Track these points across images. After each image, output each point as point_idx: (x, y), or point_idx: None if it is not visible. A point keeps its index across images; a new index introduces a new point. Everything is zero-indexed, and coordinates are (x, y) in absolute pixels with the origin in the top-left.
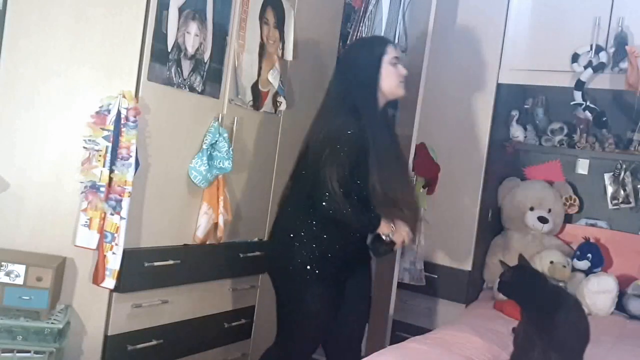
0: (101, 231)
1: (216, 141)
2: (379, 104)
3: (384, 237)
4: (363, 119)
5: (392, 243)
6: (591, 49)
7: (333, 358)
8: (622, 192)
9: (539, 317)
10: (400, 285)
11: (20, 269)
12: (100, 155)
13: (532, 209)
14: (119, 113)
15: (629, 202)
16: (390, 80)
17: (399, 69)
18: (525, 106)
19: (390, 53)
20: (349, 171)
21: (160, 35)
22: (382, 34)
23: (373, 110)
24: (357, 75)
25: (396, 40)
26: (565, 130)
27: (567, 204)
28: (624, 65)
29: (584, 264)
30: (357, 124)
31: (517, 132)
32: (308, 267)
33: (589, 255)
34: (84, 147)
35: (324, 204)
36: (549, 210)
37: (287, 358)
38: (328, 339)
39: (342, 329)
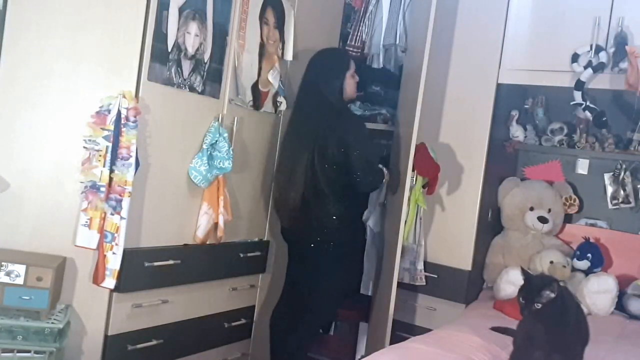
0: (101, 231)
1: (216, 141)
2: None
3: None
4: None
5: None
6: (591, 49)
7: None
8: (622, 192)
9: (547, 318)
10: (400, 285)
11: (20, 269)
12: (100, 155)
13: (532, 209)
14: (119, 113)
15: (629, 202)
16: (350, 90)
17: (356, 78)
18: (525, 106)
19: (352, 68)
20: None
21: (160, 35)
22: (383, 34)
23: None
24: (332, 86)
25: (396, 41)
26: (565, 130)
27: (567, 204)
28: (624, 65)
29: (583, 264)
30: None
31: (517, 132)
32: (344, 244)
33: (589, 255)
34: (84, 147)
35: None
36: (549, 210)
37: (310, 333)
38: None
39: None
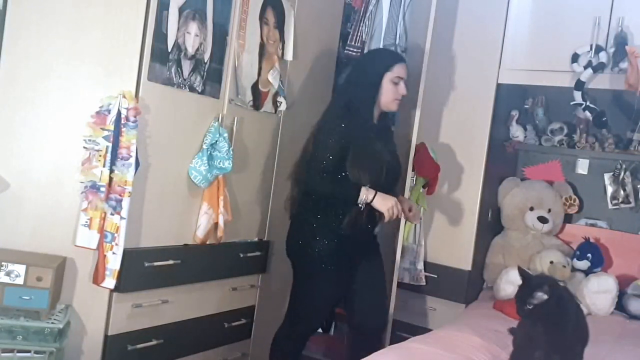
0: (101, 231)
1: (216, 141)
2: (371, 111)
3: (359, 205)
4: (352, 119)
5: (381, 215)
6: (591, 49)
7: (356, 348)
8: (622, 192)
9: (546, 318)
10: (400, 285)
11: (20, 268)
12: (100, 155)
13: (532, 209)
14: (119, 113)
15: (629, 202)
16: (386, 96)
17: (398, 88)
18: (525, 106)
19: (394, 72)
20: (333, 156)
21: (160, 35)
22: (383, 34)
23: (363, 114)
24: (360, 83)
25: (396, 41)
26: (565, 130)
27: (567, 204)
28: (623, 65)
29: (583, 264)
30: (346, 120)
31: (517, 132)
32: (317, 249)
33: (589, 255)
34: (84, 147)
35: (307, 181)
36: (549, 210)
37: (293, 334)
38: (351, 331)
39: (361, 320)
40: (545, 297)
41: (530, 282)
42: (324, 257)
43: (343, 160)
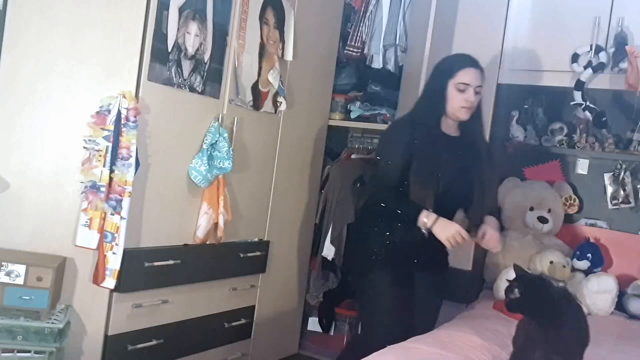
0: (101, 231)
1: (216, 141)
2: (438, 121)
3: (422, 229)
4: (416, 129)
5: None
6: (591, 49)
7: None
8: (622, 192)
9: (546, 320)
10: None
11: (20, 268)
12: (100, 155)
13: (532, 209)
14: (119, 113)
15: (629, 202)
16: (452, 104)
17: (465, 95)
18: (525, 106)
19: (459, 78)
20: (394, 170)
21: (160, 35)
22: (383, 34)
23: (428, 123)
24: (425, 91)
25: (396, 41)
26: (565, 130)
27: (567, 204)
28: (623, 65)
29: (584, 264)
30: (409, 130)
31: (517, 132)
32: (374, 257)
33: (589, 255)
34: (84, 147)
35: (369, 195)
36: (549, 210)
37: (368, 343)
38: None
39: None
40: (518, 295)
41: (520, 279)
42: (379, 262)
43: (405, 174)
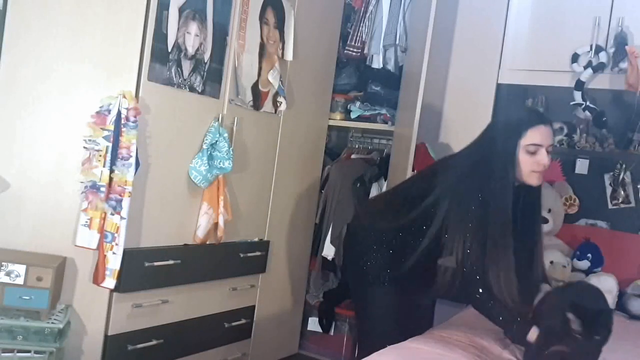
0: (101, 231)
1: (216, 141)
2: (510, 195)
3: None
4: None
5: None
6: (591, 49)
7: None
8: (622, 192)
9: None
10: None
11: (20, 269)
12: (100, 155)
13: None
14: (119, 113)
15: (629, 202)
16: (522, 169)
17: (537, 158)
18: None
19: (529, 138)
20: None
21: (160, 35)
22: (383, 34)
23: (502, 202)
24: (490, 163)
25: (396, 41)
26: (565, 130)
27: (567, 204)
28: (624, 65)
29: (584, 264)
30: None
31: None
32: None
33: (589, 255)
34: (84, 147)
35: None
36: (549, 210)
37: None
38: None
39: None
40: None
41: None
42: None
43: None
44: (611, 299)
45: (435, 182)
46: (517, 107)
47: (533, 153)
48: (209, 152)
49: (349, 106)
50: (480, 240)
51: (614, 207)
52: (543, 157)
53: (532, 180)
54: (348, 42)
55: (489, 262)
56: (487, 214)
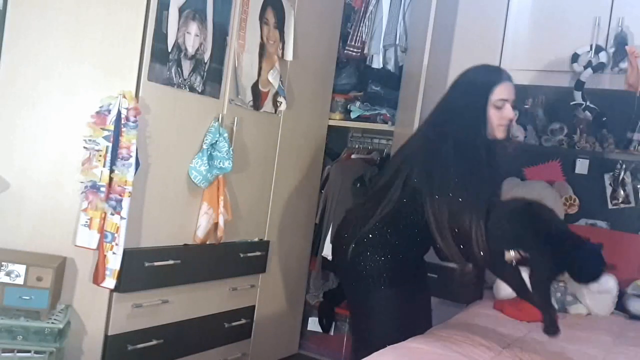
0: (101, 231)
1: (216, 141)
2: (484, 148)
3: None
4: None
5: None
6: (591, 49)
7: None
8: (622, 192)
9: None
10: None
11: (20, 268)
12: (100, 155)
13: None
14: (119, 113)
15: (629, 202)
16: (492, 123)
17: (504, 112)
18: (525, 106)
19: (497, 94)
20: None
21: (160, 35)
22: (383, 34)
23: (480, 156)
24: (462, 117)
25: (396, 41)
26: (565, 130)
27: (567, 204)
28: (624, 65)
29: None
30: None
31: (517, 132)
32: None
33: None
34: (84, 147)
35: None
36: None
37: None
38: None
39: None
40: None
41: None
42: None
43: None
44: (611, 299)
45: (406, 155)
46: (483, 68)
47: (500, 108)
48: (209, 152)
49: (349, 106)
50: (462, 195)
51: (614, 207)
52: (509, 111)
53: (500, 133)
54: (348, 42)
55: (469, 213)
56: (466, 170)
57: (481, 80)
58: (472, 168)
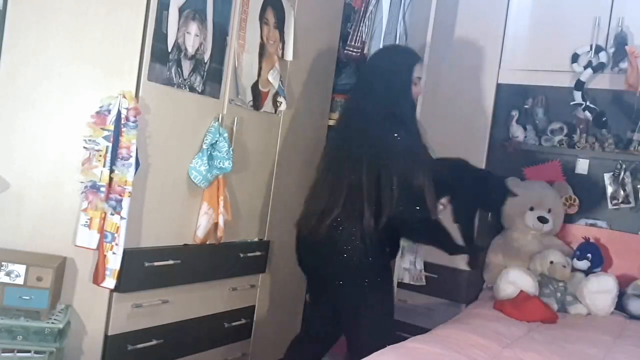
0: (101, 231)
1: (216, 141)
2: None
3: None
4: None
5: None
6: (591, 49)
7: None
8: (622, 192)
9: None
10: (400, 285)
11: (20, 268)
12: (100, 155)
13: (532, 209)
14: (119, 113)
15: (629, 202)
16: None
17: (417, 88)
18: (525, 106)
19: (417, 72)
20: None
21: (160, 35)
22: (383, 34)
23: (417, 126)
24: (405, 98)
25: (396, 41)
26: (565, 130)
27: (567, 204)
28: (623, 65)
29: (583, 264)
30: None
31: (517, 132)
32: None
33: (589, 255)
34: (84, 147)
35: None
36: (549, 210)
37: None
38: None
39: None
40: None
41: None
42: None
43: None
44: (611, 299)
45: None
46: (398, 49)
47: (416, 84)
48: (209, 152)
49: None
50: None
51: (614, 207)
52: (421, 87)
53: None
54: (348, 42)
55: (421, 172)
56: (415, 141)
57: (403, 61)
58: (418, 140)
